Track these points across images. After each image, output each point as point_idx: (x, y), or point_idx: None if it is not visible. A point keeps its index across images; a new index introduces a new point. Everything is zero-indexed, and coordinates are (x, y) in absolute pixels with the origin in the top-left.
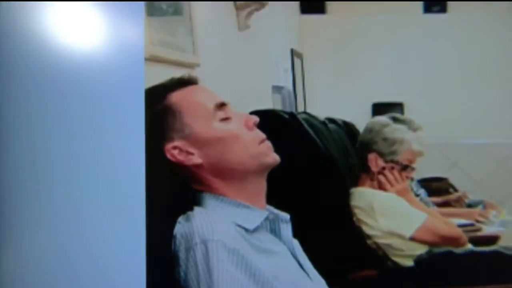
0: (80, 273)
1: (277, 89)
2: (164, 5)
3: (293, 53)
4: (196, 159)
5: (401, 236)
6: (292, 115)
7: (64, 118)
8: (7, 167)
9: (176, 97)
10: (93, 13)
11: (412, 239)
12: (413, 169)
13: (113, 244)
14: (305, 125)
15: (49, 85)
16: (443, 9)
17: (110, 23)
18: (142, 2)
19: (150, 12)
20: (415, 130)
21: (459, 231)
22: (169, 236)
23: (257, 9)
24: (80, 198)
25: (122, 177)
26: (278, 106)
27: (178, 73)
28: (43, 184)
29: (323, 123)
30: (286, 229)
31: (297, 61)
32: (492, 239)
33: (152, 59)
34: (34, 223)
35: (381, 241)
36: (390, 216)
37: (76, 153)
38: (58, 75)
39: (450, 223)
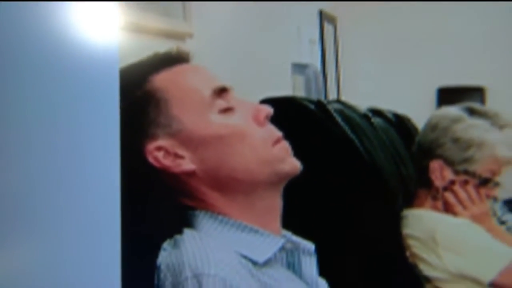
0: None
1: (299, 67)
2: None
3: (322, 16)
4: (187, 164)
5: (477, 281)
6: (320, 105)
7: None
8: None
9: (160, 81)
10: None
11: (493, 285)
12: (497, 184)
13: (83, 276)
14: (339, 118)
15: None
16: None
17: None
18: None
19: None
20: (501, 127)
21: None
22: (152, 267)
23: None
24: (47, 218)
25: (90, 189)
26: (301, 92)
27: (164, 46)
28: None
29: (365, 116)
30: (309, 264)
31: (328, 27)
32: None
33: (130, 28)
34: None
35: (446, 286)
36: (462, 251)
37: (37, 156)
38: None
39: None
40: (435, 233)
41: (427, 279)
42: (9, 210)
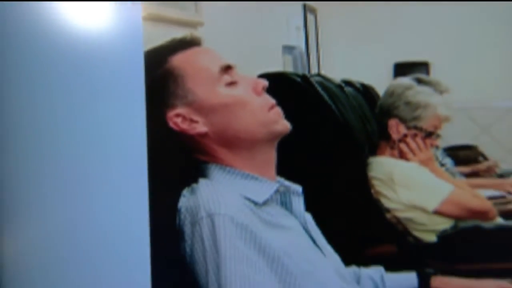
0: (82, 244)
1: (288, 49)
2: None
3: (305, 8)
4: (200, 127)
5: (424, 210)
6: (305, 78)
7: (60, 85)
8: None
9: (177, 61)
10: None
11: (436, 212)
12: (438, 136)
13: (115, 217)
14: (319, 88)
15: (43, 51)
16: None
17: None
18: None
19: None
20: (441, 92)
21: (488, 204)
22: (174, 210)
23: None
24: (81, 169)
25: (122, 149)
26: (289, 68)
27: (179, 33)
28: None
29: (339, 86)
30: (298, 202)
31: (310, 17)
32: None
33: (151, 18)
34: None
35: (401, 215)
36: (412, 187)
37: (75, 123)
38: (53, 39)
39: (479, 195)
40: (392, 174)
41: (387, 210)
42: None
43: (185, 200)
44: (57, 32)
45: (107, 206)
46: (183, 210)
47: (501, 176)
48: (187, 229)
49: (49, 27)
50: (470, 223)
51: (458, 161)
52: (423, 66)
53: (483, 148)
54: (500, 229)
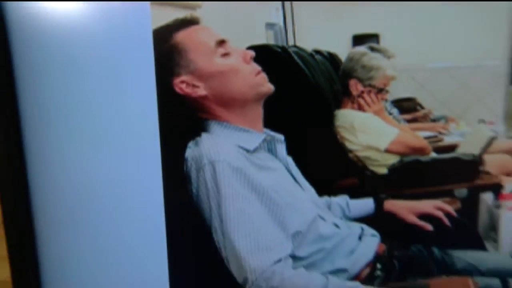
0: (101, 190)
1: (270, 26)
2: None
3: None
4: (201, 91)
5: (377, 149)
6: (284, 49)
7: (83, 61)
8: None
9: (181, 37)
10: None
11: (387, 151)
12: (387, 91)
13: (132, 166)
14: (295, 57)
15: (61, 30)
16: None
17: None
18: None
19: None
20: (389, 57)
21: (425, 142)
22: (182, 159)
23: None
24: (102, 129)
25: (137, 110)
26: (271, 41)
27: (181, 14)
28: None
29: (311, 55)
30: (281, 148)
31: (287, 2)
32: (452, 147)
33: (157, 2)
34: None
35: (360, 154)
36: (368, 132)
37: (95, 89)
38: (73, 21)
39: (418, 136)
40: (353, 122)
41: (350, 151)
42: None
43: (191, 151)
44: (78, 16)
45: (125, 155)
46: (189, 159)
47: (433, 120)
48: (193, 174)
49: (64, 13)
50: (411, 157)
51: (402, 110)
52: (374, 37)
53: (421, 100)
54: (434, 161)
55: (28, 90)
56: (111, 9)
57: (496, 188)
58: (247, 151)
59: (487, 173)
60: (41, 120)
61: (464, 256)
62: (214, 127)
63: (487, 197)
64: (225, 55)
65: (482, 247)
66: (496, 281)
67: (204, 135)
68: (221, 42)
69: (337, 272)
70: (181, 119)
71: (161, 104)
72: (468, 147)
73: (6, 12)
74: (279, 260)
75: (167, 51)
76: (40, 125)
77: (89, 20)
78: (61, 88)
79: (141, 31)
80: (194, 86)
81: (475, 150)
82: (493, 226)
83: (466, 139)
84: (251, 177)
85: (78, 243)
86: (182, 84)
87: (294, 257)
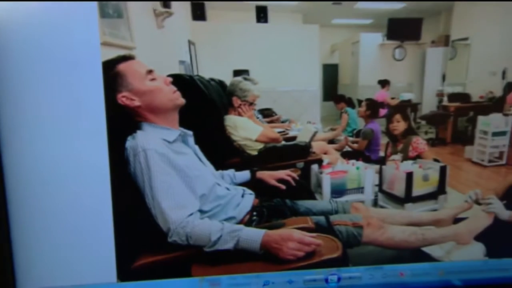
0: (60, 174)
1: (182, 62)
2: (111, 11)
3: (189, 42)
4: (136, 103)
5: (250, 139)
6: (191, 77)
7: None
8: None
9: (122, 67)
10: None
11: (256, 140)
12: (255, 104)
13: (89, 154)
14: (198, 82)
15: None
16: (266, 21)
17: (80, 23)
18: (96, 11)
19: (102, 15)
20: (255, 84)
21: (278, 135)
22: (123, 148)
23: (167, 16)
24: (64, 129)
25: (91, 116)
26: (183, 72)
27: (122, 52)
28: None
29: (208, 81)
30: (191, 140)
31: (192, 47)
32: (293, 138)
33: (105, 44)
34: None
35: (241, 142)
36: (245, 129)
37: (60, 103)
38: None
39: (274, 131)
40: (236, 123)
41: (234, 141)
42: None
43: (129, 142)
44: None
45: (85, 148)
46: (128, 148)
47: (283, 122)
48: (131, 158)
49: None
50: (271, 144)
51: (264, 116)
52: (246, 71)
53: (275, 109)
54: (284, 146)
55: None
56: (76, 46)
57: (319, 162)
58: (168, 142)
59: (314, 153)
60: (13, 124)
61: (304, 204)
62: (145, 126)
63: (314, 167)
64: (153, 79)
65: (313, 198)
66: (322, 218)
67: (138, 132)
68: (150, 71)
69: (229, 219)
70: (123, 121)
71: (109, 111)
72: (302, 138)
73: None
74: (191, 214)
75: (113, 76)
76: (13, 129)
77: (53, 48)
78: (29, 99)
79: (94, 63)
80: (131, 99)
81: (306, 139)
82: (319, 184)
83: (300, 133)
84: (171, 159)
85: (44, 218)
86: (123, 98)
87: (201, 211)
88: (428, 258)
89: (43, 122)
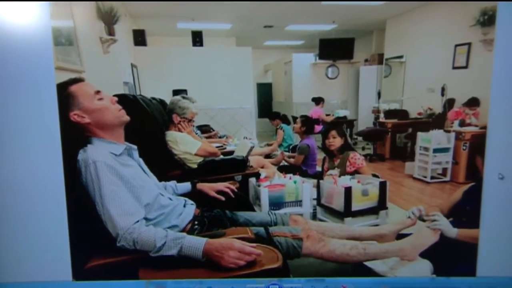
0: (20, 183)
1: (126, 83)
2: (63, 39)
3: (132, 65)
4: (86, 120)
5: (190, 154)
6: (134, 96)
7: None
8: None
9: (73, 88)
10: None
11: (195, 154)
12: (193, 121)
13: (44, 166)
14: (141, 101)
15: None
16: (202, 44)
17: (37, 51)
18: (51, 41)
19: (56, 43)
20: (193, 102)
21: (216, 150)
22: (75, 160)
23: (112, 43)
24: (23, 141)
25: (47, 133)
26: (127, 91)
27: (73, 75)
28: None
29: (150, 100)
30: (136, 153)
31: (134, 69)
32: (231, 152)
33: (59, 68)
34: None
35: (181, 156)
36: (185, 144)
37: (20, 118)
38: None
39: (212, 146)
40: (176, 138)
41: (175, 155)
42: None
43: (81, 155)
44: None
45: (41, 159)
46: (80, 160)
47: (220, 137)
48: (83, 169)
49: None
50: (210, 158)
51: (202, 131)
52: (184, 91)
53: (212, 126)
54: (222, 160)
55: None
56: (32, 71)
57: (257, 175)
58: (115, 155)
59: (251, 167)
60: None
61: (243, 215)
62: (94, 141)
63: (252, 180)
64: (100, 99)
65: (252, 209)
66: (261, 229)
67: (89, 146)
68: (98, 92)
69: (172, 227)
70: (75, 136)
71: (62, 127)
72: (239, 152)
73: None
74: (137, 221)
75: (66, 96)
76: None
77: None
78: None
79: (49, 85)
80: (82, 117)
81: (244, 154)
82: (258, 197)
83: (238, 148)
84: (118, 170)
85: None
86: (75, 115)
87: (146, 219)
88: (370, 272)
89: (6, 137)
